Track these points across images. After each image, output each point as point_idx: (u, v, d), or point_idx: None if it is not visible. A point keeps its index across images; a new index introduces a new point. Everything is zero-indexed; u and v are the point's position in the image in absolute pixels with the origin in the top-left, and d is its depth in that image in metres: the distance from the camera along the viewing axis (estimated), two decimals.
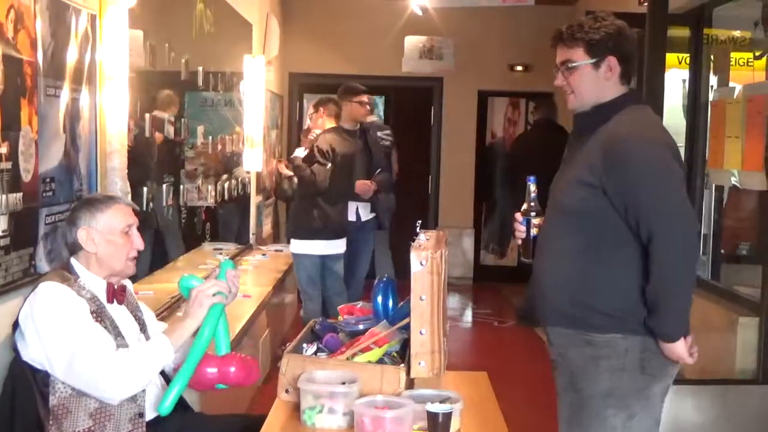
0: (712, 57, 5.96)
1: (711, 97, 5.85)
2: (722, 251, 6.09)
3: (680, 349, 2.56)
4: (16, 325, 2.54)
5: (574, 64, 2.66)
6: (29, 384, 2.50)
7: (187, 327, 2.59)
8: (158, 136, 4.61)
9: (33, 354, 2.49)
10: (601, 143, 2.58)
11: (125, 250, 2.68)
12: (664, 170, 2.52)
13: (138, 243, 2.72)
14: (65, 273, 2.62)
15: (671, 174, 2.52)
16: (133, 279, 3.05)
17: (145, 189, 4.29)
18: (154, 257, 4.57)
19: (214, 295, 2.58)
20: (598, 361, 2.61)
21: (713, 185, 5.94)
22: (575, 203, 2.63)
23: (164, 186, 4.69)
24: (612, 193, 2.54)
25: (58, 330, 2.47)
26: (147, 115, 4.34)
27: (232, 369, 2.62)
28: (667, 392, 2.73)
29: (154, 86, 4.56)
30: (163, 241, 4.83)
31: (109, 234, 2.65)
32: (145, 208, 4.33)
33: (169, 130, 4.80)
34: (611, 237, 2.58)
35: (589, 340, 2.61)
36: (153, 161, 4.58)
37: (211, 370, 2.59)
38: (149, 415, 2.66)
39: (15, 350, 2.53)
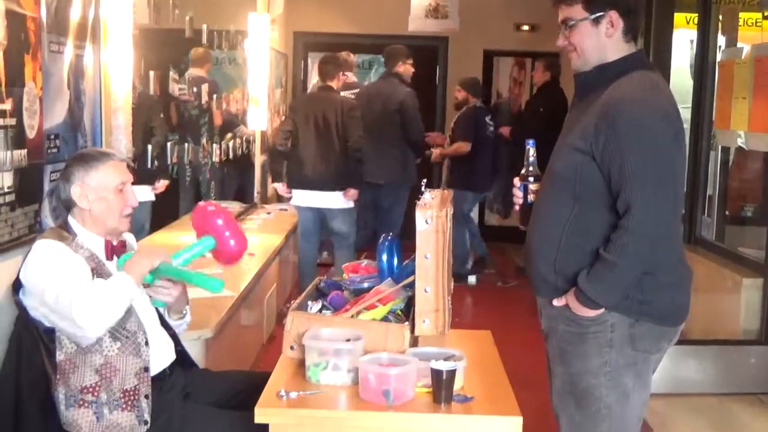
0: (720, 17, 5.90)
1: (719, 57, 5.81)
2: (727, 213, 6.08)
3: (589, 315, 2.50)
4: (18, 284, 2.55)
5: (573, 22, 2.55)
6: (35, 340, 2.52)
7: (142, 266, 2.60)
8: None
9: (33, 307, 2.51)
10: (598, 108, 2.46)
11: (118, 207, 2.67)
12: (657, 142, 2.38)
13: (132, 200, 2.71)
14: (63, 232, 2.62)
15: (663, 148, 2.38)
16: (138, 236, 3.06)
17: (149, 147, 4.29)
18: (160, 215, 4.58)
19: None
20: (586, 337, 2.53)
21: (719, 146, 5.92)
22: (566, 170, 2.53)
23: (169, 144, 4.68)
24: (599, 158, 2.43)
25: (48, 275, 2.48)
26: (151, 73, 4.33)
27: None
28: (657, 366, 2.67)
29: (159, 44, 4.53)
30: (168, 199, 4.83)
31: (102, 191, 2.64)
32: (150, 166, 4.33)
33: (174, 87, 4.78)
34: (600, 207, 2.47)
35: (573, 317, 2.53)
36: (159, 119, 4.58)
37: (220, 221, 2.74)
38: (154, 370, 2.67)
39: (22, 308, 2.54)
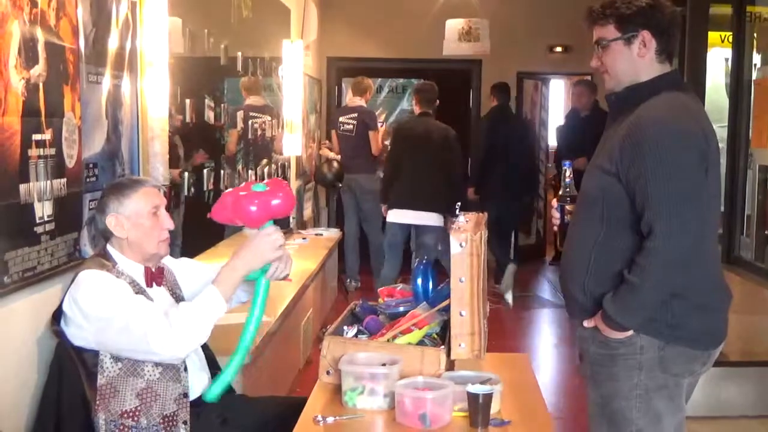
0: (755, 35, 5.87)
1: (754, 75, 5.77)
2: (766, 232, 6.01)
3: (616, 337, 2.49)
4: (58, 314, 2.58)
5: (605, 42, 2.55)
6: (75, 366, 2.54)
7: (236, 276, 2.58)
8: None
9: (82, 338, 2.53)
10: (624, 129, 2.46)
11: (155, 232, 2.69)
12: (679, 164, 2.36)
13: (167, 223, 2.73)
14: (103, 260, 2.65)
15: (686, 170, 2.36)
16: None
17: (186, 174, 4.34)
18: (196, 242, 4.62)
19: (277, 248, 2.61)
20: (616, 359, 2.52)
21: (757, 165, 5.86)
22: (594, 191, 2.54)
23: (205, 171, 4.73)
24: (624, 180, 2.43)
25: (104, 306, 2.50)
26: (187, 101, 4.38)
27: (275, 201, 2.61)
28: (693, 390, 2.65)
29: (194, 72, 4.59)
30: (203, 226, 4.87)
31: (137, 218, 2.67)
32: (186, 193, 4.38)
33: (209, 115, 4.84)
34: (626, 228, 2.47)
35: (604, 339, 2.53)
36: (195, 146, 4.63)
37: (253, 208, 2.57)
38: (192, 395, 2.69)
39: (62, 337, 2.57)
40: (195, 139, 4.66)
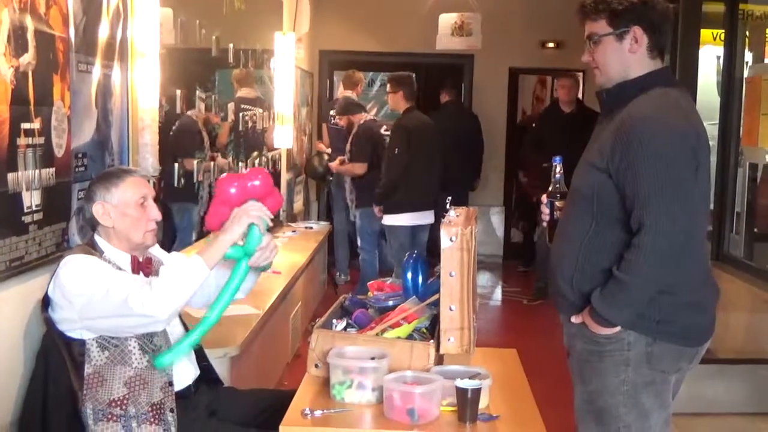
0: (747, 33, 5.87)
1: (746, 73, 5.78)
2: (755, 230, 6.02)
3: (604, 333, 2.49)
4: (46, 301, 2.57)
5: (597, 37, 2.55)
6: (62, 356, 2.53)
7: (221, 242, 2.54)
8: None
9: (68, 320, 2.52)
10: (615, 125, 2.46)
11: (141, 222, 2.68)
12: (670, 160, 2.35)
13: (154, 214, 2.72)
14: (90, 249, 2.65)
15: (676, 166, 2.36)
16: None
17: (176, 165, 4.32)
18: (185, 233, 4.61)
19: (255, 217, 2.57)
20: (603, 355, 2.52)
21: (747, 163, 5.87)
22: (584, 187, 2.54)
23: (195, 162, 4.71)
24: (615, 176, 2.43)
25: (86, 284, 2.48)
26: (177, 92, 4.36)
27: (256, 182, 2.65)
28: (680, 386, 2.66)
29: (185, 63, 4.57)
30: (193, 218, 4.86)
31: (123, 207, 2.66)
32: (176, 184, 4.36)
33: (201, 107, 4.82)
34: (616, 225, 2.46)
35: (591, 335, 2.52)
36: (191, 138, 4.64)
37: (233, 190, 2.61)
38: (178, 386, 2.68)
39: (50, 324, 2.56)
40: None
